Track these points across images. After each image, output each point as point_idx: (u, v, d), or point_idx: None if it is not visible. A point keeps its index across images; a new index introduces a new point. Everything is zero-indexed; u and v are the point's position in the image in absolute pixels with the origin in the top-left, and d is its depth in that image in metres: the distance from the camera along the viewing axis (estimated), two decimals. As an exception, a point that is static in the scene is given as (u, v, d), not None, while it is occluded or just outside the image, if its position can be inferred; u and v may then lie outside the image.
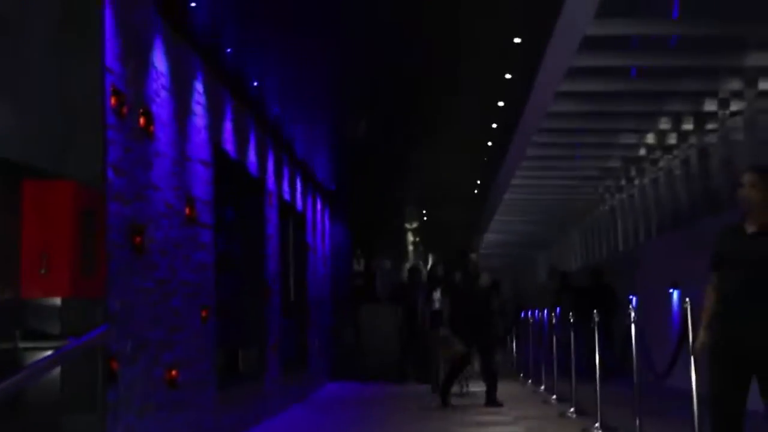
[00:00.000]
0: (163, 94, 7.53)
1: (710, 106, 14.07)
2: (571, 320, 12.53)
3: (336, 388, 16.18)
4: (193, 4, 7.80)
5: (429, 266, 15.56)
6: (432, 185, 19.72)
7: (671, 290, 14.85)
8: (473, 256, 12.63)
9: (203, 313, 8.42)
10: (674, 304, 14.90)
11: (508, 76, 11.23)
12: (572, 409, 10.87)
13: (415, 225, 26.83)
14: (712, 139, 14.61)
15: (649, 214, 18.41)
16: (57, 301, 4.94)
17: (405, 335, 16.35)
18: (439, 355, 13.70)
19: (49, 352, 4.30)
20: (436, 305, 13.79)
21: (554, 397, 12.58)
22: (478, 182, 20.11)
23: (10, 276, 4.82)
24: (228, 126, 9.84)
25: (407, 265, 21.93)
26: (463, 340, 12.05)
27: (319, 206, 17.06)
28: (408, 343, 16.33)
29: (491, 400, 11.92)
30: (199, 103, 8.67)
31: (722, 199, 13.88)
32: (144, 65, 7.07)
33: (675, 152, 16.38)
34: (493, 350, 12.68)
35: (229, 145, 9.88)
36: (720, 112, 13.86)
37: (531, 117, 14.40)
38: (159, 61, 7.43)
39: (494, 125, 14.33)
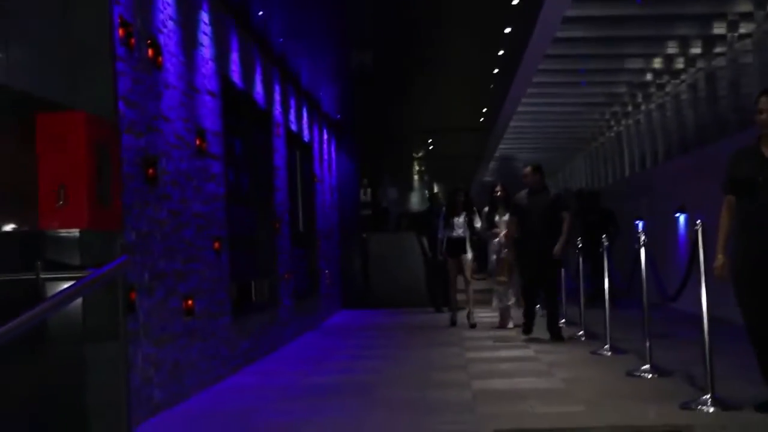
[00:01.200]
0: (170, 24, 7.47)
1: (719, 29, 13.93)
2: (579, 245, 12.59)
3: (347, 316, 16.34)
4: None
5: (449, 192, 14.17)
6: (437, 114, 19.65)
7: (678, 215, 14.88)
8: (527, 169, 11.40)
9: (216, 245, 8.46)
10: (681, 228, 14.94)
11: (515, 1, 11.11)
12: (581, 332, 10.97)
13: (421, 154, 26.80)
14: (720, 62, 14.49)
15: (656, 139, 18.36)
16: (75, 232, 4.96)
17: (431, 264, 15.64)
18: (453, 283, 13.44)
19: (69, 283, 4.33)
20: (459, 232, 13.04)
21: (563, 320, 12.66)
22: (484, 110, 20.02)
23: (28, 208, 4.84)
24: (234, 57, 9.78)
25: (427, 193, 21.74)
26: (527, 267, 11.14)
27: (325, 137, 17.03)
28: (434, 272, 15.76)
29: (553, 333, 10.84)
30: (205, 34, 8.60)
31: (730, 123, 13.83)
32: (151, -5, 7.01)
33: (683, 77, 16.27)
34: (558, 274, 11.55)
35: (236, 76, 9.83)
36: (728, 35, 13.72)
37: (538, 43, 14.26)
38: (165, -9, 7.36)
39: (501, 52, 14.22)
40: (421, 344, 11.20)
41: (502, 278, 12.55)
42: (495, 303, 13.21)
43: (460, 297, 13.54)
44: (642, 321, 8.11)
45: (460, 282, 13.41)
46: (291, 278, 12.26)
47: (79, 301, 4.85)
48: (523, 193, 11.20)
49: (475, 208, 13.52)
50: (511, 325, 12.49)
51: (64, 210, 4.81)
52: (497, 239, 12.78)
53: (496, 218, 12.88)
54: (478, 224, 13.18)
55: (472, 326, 12.78)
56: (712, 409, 6.05)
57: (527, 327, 11.16)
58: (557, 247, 10.64)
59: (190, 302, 7.47)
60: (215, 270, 8.44)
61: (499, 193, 12.93)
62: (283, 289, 11.67)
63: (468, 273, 13.09)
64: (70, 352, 5.11)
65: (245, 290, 10.39)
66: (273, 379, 8.59)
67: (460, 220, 13.11)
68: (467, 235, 13.11)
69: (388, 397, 7.26)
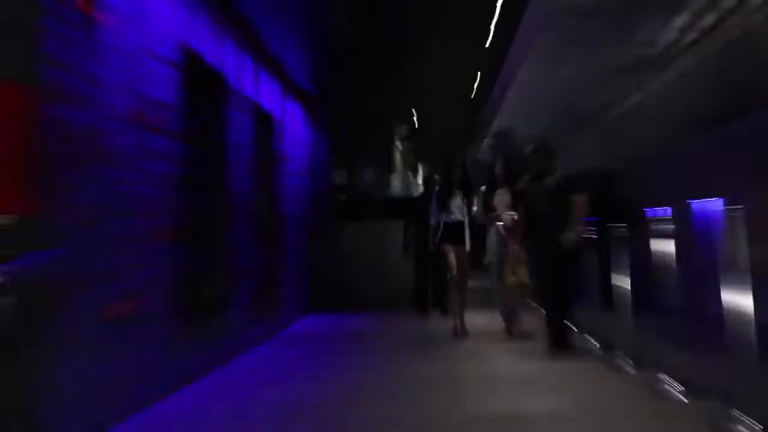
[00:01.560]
0: (110, -27, 7.20)
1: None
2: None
3: (314, 322, 16.10)
4: None
5: (444, 168, 12.94)
6: (425, 88, 19.49)
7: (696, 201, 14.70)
8: (530, 149, 10.74)
9: (163, 235, 8.22)
10: (700, 216, 14.76)
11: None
12: (596, 342, 10.86)
13: (406, 134, 26.65)
14: (735, 33, 14.44)
15: (673, 115, 18.24)
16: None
17: (423, 258, 14.98)
18: (452, 281, 12.53)
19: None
20: (457, 216, 12.13)
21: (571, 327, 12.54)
22: (477, 81, 19.86)
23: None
24: (186, 15, 9.51)
25: (419, 177, 21.30)
26: (540, 266, 10.51)
27: (295, 111, 16.79)
28: (424, 268, 15.20)
29: (560, 342, 10.31)
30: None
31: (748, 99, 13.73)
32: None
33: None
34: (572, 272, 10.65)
35: (189, 38, 9.56)
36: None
37: (533, 13, 14.11)
38: (103, -65, 7.08)
39: (495, 15, 14.03)
40: (405, 359, 10.97)
41: (513, 279, 11.56)
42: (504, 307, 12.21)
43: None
44: (668, 327, 7.95)
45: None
46: (249, 275, 12.03)
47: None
48: (525, 179, 10.78)
49: (473, 189, 12.59)
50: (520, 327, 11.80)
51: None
52: (500, 224, 11.91)
53: (495, 201, 12.04)
54: (475, 207, 12.42)
55: (462, 334, 12.13)
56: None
57: (559, 341, 10.28)
58: (567, 235, 10.07)
59: (124, 305, 7.21)
60: (161, 265, 8.19)
61: (501, 172, 12.15)
62: (240, 288, 11.45)
63: (464, 268, 12.23)
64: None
65: (197, 290, 10.14)
66: (220, 401, 8.31)
67: (457, 201, 12.30)
68: (466, 220, 12.25)
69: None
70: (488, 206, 12.00)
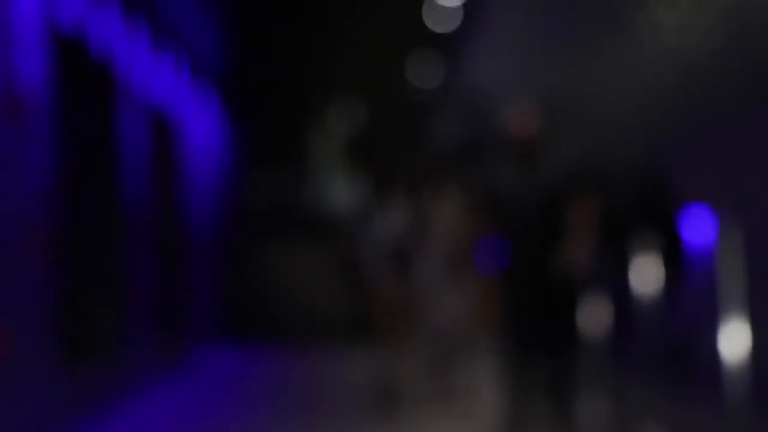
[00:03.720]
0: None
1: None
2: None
3: (227, 361, 16.02)
4: None
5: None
6: (355, 62, 19.51)
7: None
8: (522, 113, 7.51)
9: (39, 257, 8.32)
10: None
11: None
12: None
13: (340, 126, 26.63)
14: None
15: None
16: None
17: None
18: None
19: None
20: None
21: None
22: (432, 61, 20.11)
23: None
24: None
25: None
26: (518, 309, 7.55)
27: (200, 98, 16.85)
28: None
29: None
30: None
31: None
32: None
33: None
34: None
35: (66, 15, 9.63)
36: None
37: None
38: None
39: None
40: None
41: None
42: None
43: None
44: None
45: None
46: (147, 302, 12.08)
47: None
48: (498, 164, 7.90)
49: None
50: None
51: None
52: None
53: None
54: None
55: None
56: None
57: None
58: (570, 252, 7.27)
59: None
60: (36, 294, 8.27)
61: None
62: (134, 319, 11.59)
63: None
64: None
65: (82, 323, 10.20)
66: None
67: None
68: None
69: None
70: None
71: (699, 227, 11.67)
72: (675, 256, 8.27)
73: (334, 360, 15.01)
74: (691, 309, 9.74)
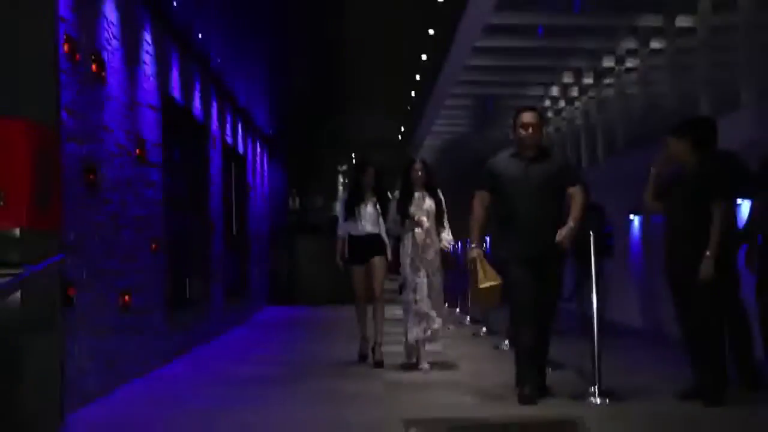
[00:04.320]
0: (114, 43, 7.26)
1: (608, 62, 14.14)
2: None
3: (273, 312, 16.13)
4: (141, -41, 7.49)
5: (353, 169, 9.33)
6: (361, 131, 19.60)
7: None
8: (527, 115, 6.30)
9: (153, 246, 8.25)
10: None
11: (430, 32, 11.12)
12: (484, 329, 10.97)
13: (345, 167, 26.69)
14: (609, 92, 14.71)
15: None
16: (16, 231, 4.75)
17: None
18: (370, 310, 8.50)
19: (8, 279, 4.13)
20: (367, 226, 8.36)
21: (468, 318, 12.66)
22: (402, 129, 20.04)
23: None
24: (175, 74, 9.57)
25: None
26: (518, 287, 6.16)
27: (258, 149, 16.82)
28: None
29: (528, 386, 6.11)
30: (147, 53, 8.39)
31: (619, 145, 14.02)
32: (95, 15, 6.80)
33: (577, 103, 16.48)
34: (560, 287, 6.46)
35: (175, 92, 9.62)
36: (617, 68, 13.95)
37: (451, 70, 14.31)
38: (110, 12, 7.15)
39: (417, 77, 14.24)
40: (342, 339, 11.06)
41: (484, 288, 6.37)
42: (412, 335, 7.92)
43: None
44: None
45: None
46: (222, 277, 12.01)
47: (17, 295, 4.64)
48: (504, 156, 6.38)
49: (387, 193, 8.56)
50: (425, 365, 7.85)
51: (5, 210, 4.61)
52: (416, 231, 7.85)
53: (412, 208, 7.90)
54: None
55: (378, 364, 8.16)
56: (599, 401, 6.03)
57: (529, 389, 6.05)
58: (564, 232, 6.04)
59: (126, 298, 7.25)
60: (152, 269, 8.22)
61: (419, 173, 7.98)
62: (214, 287, 11.46)
63: (378, 286, 8.31)
64: (10, 343, 4.89)
65: (180, 288, 10.15)
66: (202, 369, 8.38)
67: (368, 208, 8.36)
68: (380, 230, 8.35)
69: (305, 388, 7.05)
70: (404, 214, 7.93)
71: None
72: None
73: (330, 311, 14.91)
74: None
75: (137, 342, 7.61)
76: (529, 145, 6.26)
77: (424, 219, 7.86)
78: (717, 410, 5.72)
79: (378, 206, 8.38)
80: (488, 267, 6.39)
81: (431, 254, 7.85)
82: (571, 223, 6.13)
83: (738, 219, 6.32)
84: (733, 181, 6.08)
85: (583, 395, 6.14)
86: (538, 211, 6.17)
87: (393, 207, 8.08)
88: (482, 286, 6.36)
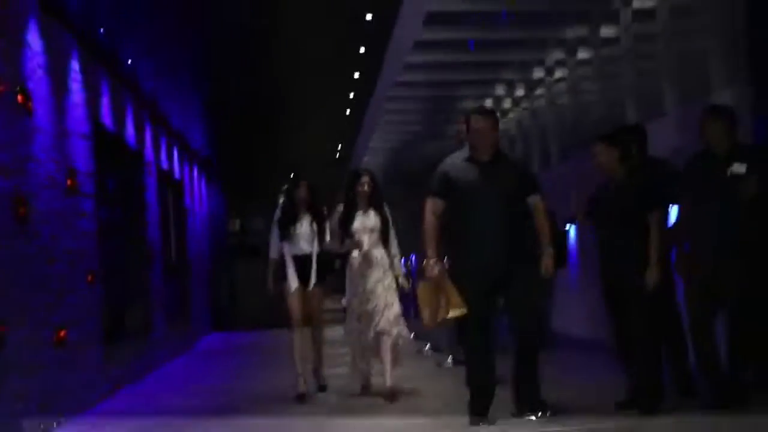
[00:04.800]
0: (40, 72, 7.09)
1: (538, 73, 14.29)
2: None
3: (217, 339, 15.91)
4: (64, -13, 7.34)
5: (286, 186, 8.20)
6: (298, 152, 19.51)
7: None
8: (479, 117, 5.81)
9: (89, 278, 8.05)
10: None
11: (362, 50, 11.12)
12: (428, 347, 10.91)
13: (284, 187, 26.47)
14: (541, 103, 14.86)
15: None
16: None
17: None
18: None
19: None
20: (303, 246, 7.66)
21: (413, 334, 12.58)
22: (339, 147, 20.00)
23: None
24: (105, 101, 9.39)
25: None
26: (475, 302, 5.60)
27: (196, 173, 16.62)
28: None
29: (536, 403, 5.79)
30: (76, 81, 8.21)
31: (552, 156, 14.17)
32: (19, 45, 6.64)
33: (510, 115, 16.62)
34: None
35: (107, 120, 9.43)
36: (547, 79, 14.10)
37: (384, 86, 14.33)
38: (34, 42, 6.98)
39: (351, 95, 14.23)
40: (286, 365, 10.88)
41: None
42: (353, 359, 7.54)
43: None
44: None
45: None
46: (162, 305, 11.80)
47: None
48: (458, 157, 5.81)
49: (324, 211, 7.84)
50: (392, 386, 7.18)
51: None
52: (353, 254, 7.22)
53: (355, 224, 7.23)
54: (329, 236, 7.60)
55: (321, 389, 7.83)
56: (535, 417, 5.78)
57: (480, 405, 5.75)
58: (546, 262, 5.61)
59: (62, 333, 7.05)
60: (88, 301, 8.02)
61: (365, 187, 7.25)
62: (155, 315, 11.25)
63: (316, 313, 7.74)
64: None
65: (118, 319, 9.94)
66: (142, 404, 8.12)
67: (303, 227, 7.68)
68: (315, 250, 7.64)
69: (247, 424, 6.75)
70: (346, 230, 7.29)
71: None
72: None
73: (274, 336, 14.69)
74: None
75: (73, 378, 7.39)
76: (485, 147, 5.59)
77: (365, 239, 7.14)
78: (653, 419, 5.69)
79: (314, 224, 7.66)
80: (452, 289, 5.52)
81: (376, 276, 7.09)
82: (549, 248, 5.54)
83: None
84: (665, 189, 6.13)
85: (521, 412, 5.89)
86: (500, 221, 5.40)
87: (334, 222, 7.42)
88: (450, 315, 5.54)
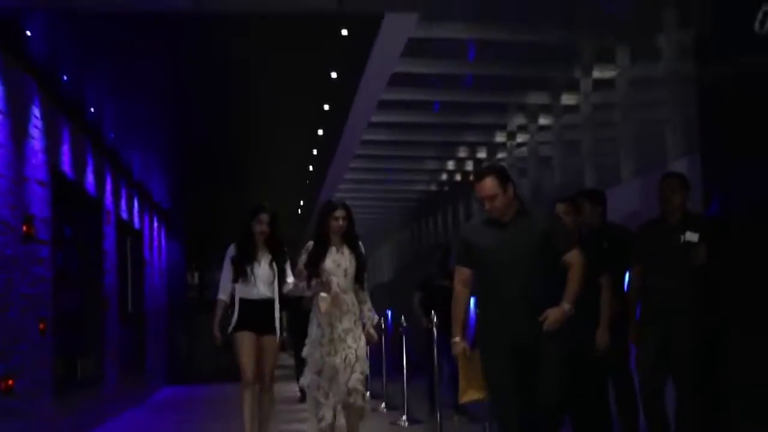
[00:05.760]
0: None
1: (500, 137, 14.47)
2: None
3: (172, 392, 15.65)
4: (28, 33, 7.33)
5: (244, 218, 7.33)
6: (261, 200, 19.42)
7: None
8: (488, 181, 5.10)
9: (41, 326, 7.90)
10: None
11: (326, 107, 11.18)
12: (383, 405, 10.83)
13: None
14: (503, 165, 15.01)
15: (453, 234, 18.72)
16: None
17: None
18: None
19: None
20: (261, 289, 6.81)
21: (368, 393, 12.47)
22: (302, 203, 19.98)
23: None
24: (66, 149, 9.33)
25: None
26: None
27: (156, 224, 16.51)
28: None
29: None
30: (36, 127, 8.17)
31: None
32: (-21, 89, 6.60)
33: (472, 177, 16.75)
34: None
35: (66, 167, 9.37)
36: (508, 143, 14.27)
37: (347, 144, 14.39)
38: (-5, 87, 6.96)
39: (315, 151, 14.26)
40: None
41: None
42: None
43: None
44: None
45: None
46: (116, 355, 11.59)
47: None
48: (477, 222, 5.43)
49: (285, 249, 6.93)
50: None
51: None
52: (321, 296, 6.12)
53: (327, 263, 6.17)
54: (290, 278, 6.72)
55: None
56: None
57: None
58: (551, 316, 4.90)
59: (10, 382, 6.89)
60: (39, 349, 7.86)
61: (341, 221, 6.17)
62: (108, 366, 11.04)
63: (269, 371, 6.86)
64: None
65: (70, 368, 9.74)
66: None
67: (261, 267, 6.78)
68: (275, 294, 6.75)
69: None
70: (315, 268, 6.18)
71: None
72: None
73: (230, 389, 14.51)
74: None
75: (21, 428, 7.21)
76: (493, 211, 4.98)
77: (334, 281, 6.09)
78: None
79: (273, 264, 6.69)
80: (473, 371, 5.08)
81: (346, 325, 6.09)
82: (565, 305, 4.86)
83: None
84: (619, 254, 6.19)
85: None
86: (520, 287, 4.85)
87: (302, 260, 6.20)
88: (463, 400, 5.19)
